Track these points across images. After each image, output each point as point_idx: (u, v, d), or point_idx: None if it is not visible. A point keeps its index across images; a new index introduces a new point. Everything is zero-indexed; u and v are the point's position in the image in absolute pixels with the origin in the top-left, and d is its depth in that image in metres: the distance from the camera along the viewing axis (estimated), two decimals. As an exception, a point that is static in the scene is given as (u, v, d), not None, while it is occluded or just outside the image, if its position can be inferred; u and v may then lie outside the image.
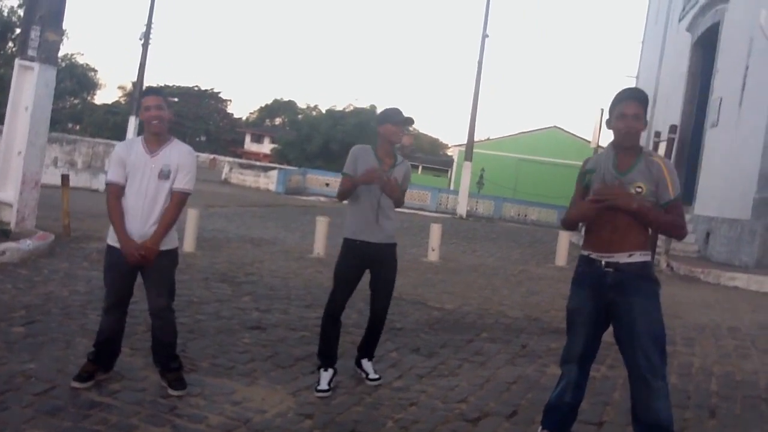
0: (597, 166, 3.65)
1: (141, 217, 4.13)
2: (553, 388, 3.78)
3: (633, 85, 27.73)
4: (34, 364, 4.40)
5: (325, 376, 4.53)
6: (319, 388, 4.45)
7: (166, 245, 4.20)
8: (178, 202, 4.20)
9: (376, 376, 4.69)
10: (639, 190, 3.47)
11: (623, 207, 3.45)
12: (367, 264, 4.66)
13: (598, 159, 3.72)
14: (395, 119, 4.58)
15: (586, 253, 3.66)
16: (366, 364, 4.77)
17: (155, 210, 4.15)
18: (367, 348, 4.83)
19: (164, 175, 4.15)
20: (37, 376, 4.20)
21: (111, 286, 4.22)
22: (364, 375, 4.71)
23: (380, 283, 4.69)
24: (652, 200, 3.50)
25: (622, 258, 3.51)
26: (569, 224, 3.81)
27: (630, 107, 3.52)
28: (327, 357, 4.61)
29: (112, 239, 4.19)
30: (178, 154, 4.22)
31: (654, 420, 3.42)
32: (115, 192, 4.16)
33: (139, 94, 35.20)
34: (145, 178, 4.13)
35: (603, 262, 3.55)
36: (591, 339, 3.65)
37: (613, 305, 3.53)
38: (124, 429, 3.61)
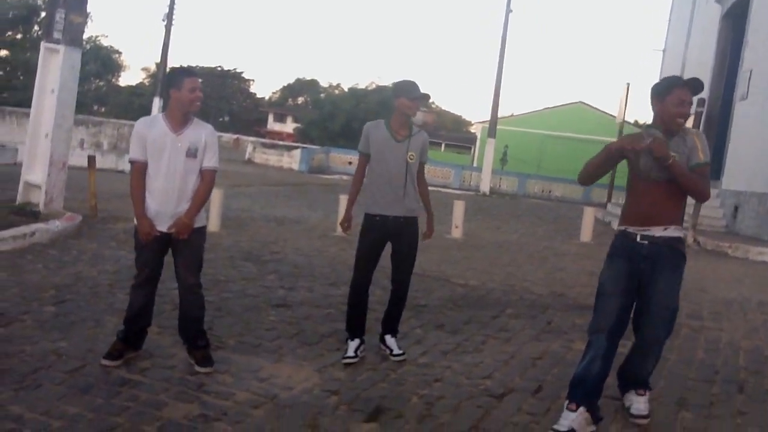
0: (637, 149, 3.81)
1: (173, 197, 4.19)
2: (579, 361, 3.85)
3: (660, 59, 27.34)
4: (65, 342, 4.49)
5: (352, 345, 4.64)
6: (346, 355, 4.56)
7: (196, 222, 4.28)
8: (209, 180, 4.29)
9: (400, 352, 4.71)
10: (673, 155, 3.68)
11: (659, 154, 3.62)
12: (387, 237, 4.69)
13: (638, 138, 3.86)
14: (410, 94, 4.58)
15: (623, 227, 3.88)
16: (390, 340, 4.79)
17: (187, 189, 4.22)
18: (390, 323, 4.85)
19: (192, 153, 4.19)
20: (68, 354, 4.29)
21: (145, 263, 4.30)
22: (388, 351, 4.73)
23: (401, 255, 4.72)
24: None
25: (658, 231, 3.75)
26: (586, 174, 3.99)
27: (689, 95, 3.71)
28: (354, 328, 4.71)
29: None
30: (204, 132, 4.26)
31: (638, 372, 3.95)
32: (139, 169, 4.22)
33: (164, 75, 35.33)
34: (173, 158, 4.17)
35: (638, 236, 3.78)
36: (622, 310, 3.78)
37: (643, 274, 3.77)
38: (153, 405, 3.67)
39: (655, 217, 3.74)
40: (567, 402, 3.73)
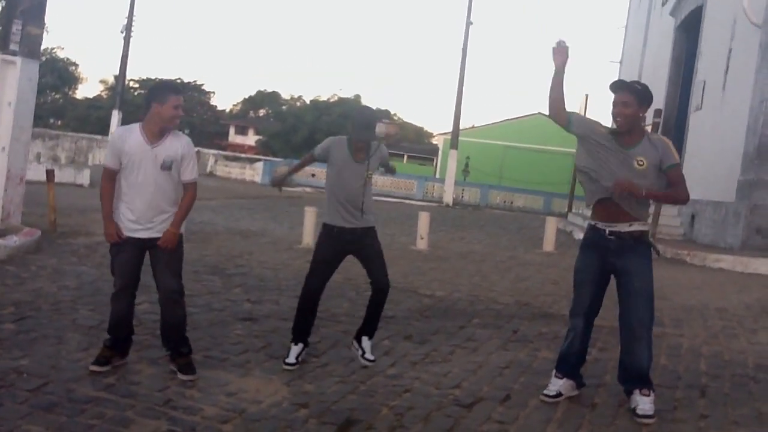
0: (602, 137, 4.14)
1: (147, 209, 4.24)
2: (562, 342, 4.49)
3: (617, 70, 27.90)
4: (26, 360, 4.38)
5: (295, 349, 4.73)
6: (287, 360, 4.66)
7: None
8: (192, 192, 4.39)
9: (372, 358, 4.77)
10: (641, 163, 4.04)
11: (636, 195, 4.00)
12: (346, 249, 4.82)
13: (604, 132, 4.20)
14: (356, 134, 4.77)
15: (593, 222, 4.27)
16: (366, 342, 4.85)
17: (161, 201, 4.27)
18: (369, 325, 4.91)
19: (166, 166, 4.24)
20: (30, 372, 4.19)
21: (119, 270, 4.33)
22: (360, 352, 4.80)
23: (370, 257, 4.84)
24: (652, 174, 4.05)
25: (624, 228, 4.12)
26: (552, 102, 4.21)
27: (617, 97, 4.11)
28: (299, 333, 4.80)
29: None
30: (180, 145, 4.31)
31: (636, 363, 4.13)
32: (109, 175, 4.29)
33: (120, 86, 34.87)
34: (148, 169, 4.21)
35: (607, 231, 4.15)
36: (595, 295, 4.28)
37: (615, 266, 4.16)
38: (119, 423, 3.61)
39: (621, 216, 4.10)
40: (555, 372, 4.37)
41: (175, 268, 4.38)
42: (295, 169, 5.09)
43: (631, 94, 4.08)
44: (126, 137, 4.25)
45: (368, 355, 4.76)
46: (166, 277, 4.32)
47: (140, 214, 4.24)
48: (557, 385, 4.34)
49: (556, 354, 4.56)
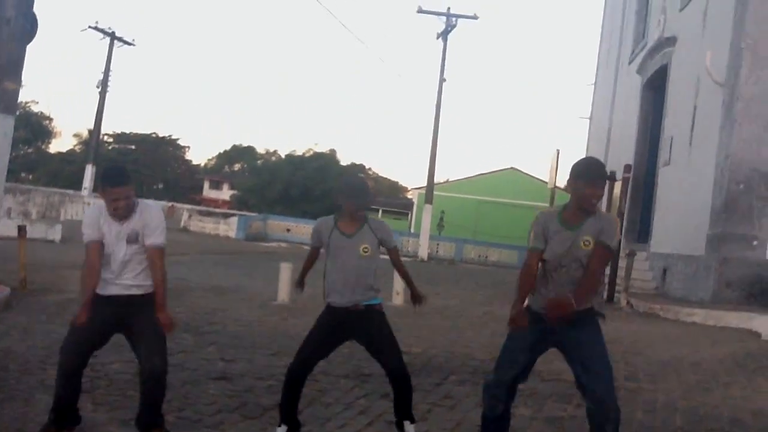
0: (544, 228, 3.87)
1: (119, 280, 4.13)
2: (484, 405, 4.18)
3: (587, 126, 28.49)
4: (-8, 423, 4.27)
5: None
6: None
7: (146, 290, 4.15)
8: (157, 259, 4.12)
9: None
10: (587, 243, 3.75)
11: (567, 317, 3.71)
12: (346, 330, 4.43)
13: (543, 221, 3.91)
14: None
15: (535, 309, 3.92)
16: (408, 427, 4.39)
17: (133, 270, 4.12)
18: (401, 409, 4.45)
19: (132, 239, 4.08)
20: (-5, 435, 4.07)
21: (78, 337, 4.17)
22: None
23: (375, 344, 4.46)
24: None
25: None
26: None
27: (597, 189, 3.77)
28: (283, 413, 4.37)
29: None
30: (145, 214, 4.13)
31: None
32: (96, 249, 4.09)
33: (95, 140, 34.80)
34: (117, 247, 4.08)
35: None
36: (527, 363, 3.99)
37: (560, 344, 3.86)
38: (88, 488, 3.51)
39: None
40: None
41: (160, 342, 4.09)
42: (305, 267, 4.72)
43: (605, 182, 3.94)
44: (99, 216, 4.13)
45: None
46: (151, 354, 4.04)
47: (114, 289, 4.14)
48: None
49: (534, 410, 4.54)
